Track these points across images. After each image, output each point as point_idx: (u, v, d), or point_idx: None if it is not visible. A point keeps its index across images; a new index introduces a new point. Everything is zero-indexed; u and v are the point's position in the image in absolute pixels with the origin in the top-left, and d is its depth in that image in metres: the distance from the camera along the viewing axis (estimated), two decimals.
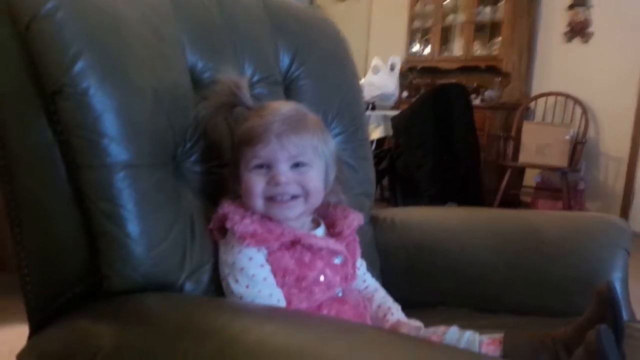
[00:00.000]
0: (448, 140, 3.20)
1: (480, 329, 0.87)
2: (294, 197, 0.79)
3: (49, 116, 0.69)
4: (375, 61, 4.18)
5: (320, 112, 1.05)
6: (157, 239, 0.71)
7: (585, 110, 4.00)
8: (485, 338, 0.83)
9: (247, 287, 0.76)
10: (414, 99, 4.13)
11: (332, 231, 0.88)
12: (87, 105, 0.67)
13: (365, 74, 4.35)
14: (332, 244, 0.83)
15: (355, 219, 0.90)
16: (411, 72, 5.09)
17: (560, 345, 0.78)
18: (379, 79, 4.06)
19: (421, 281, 1.14)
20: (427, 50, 5.04)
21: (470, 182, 3.31)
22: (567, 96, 4.09)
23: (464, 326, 0.87)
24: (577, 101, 4.04)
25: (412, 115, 3.30)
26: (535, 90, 4.43)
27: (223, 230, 0.80)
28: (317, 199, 0.82)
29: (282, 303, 0.77)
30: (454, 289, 1.12)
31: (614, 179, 4.01)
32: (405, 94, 4.89)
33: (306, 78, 1.07)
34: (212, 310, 0.65)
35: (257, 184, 0.78)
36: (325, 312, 0.81)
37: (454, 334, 0.84)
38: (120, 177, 0.68)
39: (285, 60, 1.05)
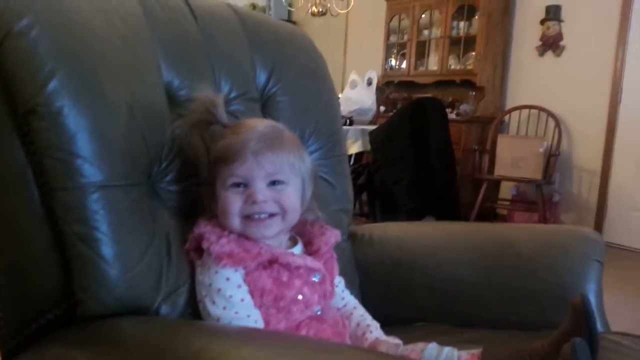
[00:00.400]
0: (425, 155, 3.23)
1: (459, 344, 0.87)
2: (271, 215, 0.78)
3: (21, 137, 0.68)
4: (352, 76, 4.21)
5: (298, 128, 1.05)
6: (132, 261, 0.70)
7: (558, 123, 4.07)
8: (464, 354, 0.84)
9: (224, 308, 0.75)
10: (391, 113, 4.17)
11: (310, 249, 0.87)
12: (61, 125, 0.66)
13: (342, 89, 4.38)
14: (309, 261, 0.83)
15: (333, 236, 0.90)
16: (388, 86, 5.14)
17: (537, 359, 0.78)
18: (357, 94, 4.09)
19: (400, 297, 1.14)
20: (404, 64, 5.10)
21: (447, 196, 3.34)
22: (541, 109, 4.16)
23: (442, 342, 0.87)
24: (550, 114, 4.11)
25: (390, 129, 3.33)
26: (510, 103, 4.50)
27: (199, 251, 0.79)
28: (294, 217, 0.82)
29: (260, 324, 0.76)
30: (432, 304, 1.12)
31: (587, 191, 4.08)
32: (382, 108, 4.93)
33: (283, 94, 1.07)
34: (189, 333, 0.64)
35: (233, 202, 0.77)
36: (304, 331, 0.80)
37: (432, 351, 0.84)
38: (94, 198, 0.67)
39: (262, 77, 1.05)
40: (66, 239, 0.67)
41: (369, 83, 4.21)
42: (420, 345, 0.86)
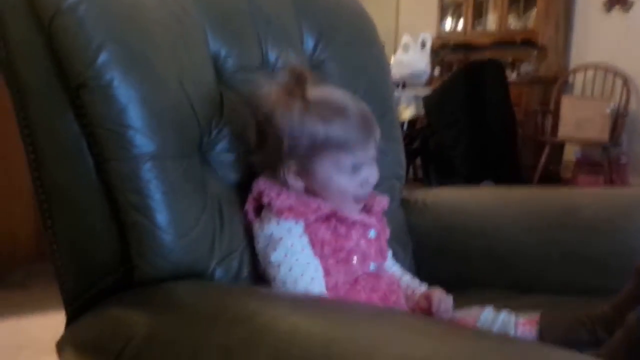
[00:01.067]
0: (482, 118, 3.14)
1: (517, 309, 0.86)
2: None
3: (75, 110, 0.70)
4: (405, 39, 4.11)
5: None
6: (185, 227, 0.72)
7: (626, 82, 3.86)
8: (521, 319, 0.82)
9: (285, 255, 0.76)
10: (446, 77, 4.06)
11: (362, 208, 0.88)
12: (111, 97, 0.68)
13: (394, 52, 4.29)
14: (366, 218, 0.85)
15: (383, 200, 0.92)
16: (443, 49, 4.99)
17: (598, 324, 0.77)
18: (409, 57, 4.00)
19: (455, 263, 1.13)
20: (460, 25, 4.93)
21: (507, 159, 3.25)
22: (607, 68, 3.95)
23: (499, 307, 0.85)
24: (617, 73, 3.90)
25: (443, 93, 3.25)
26: (574, 63, 4.30)
27: (258, 210, 0.81)
28: None
29: (320, 272, 0.77)
30: (489, 270, 1.10)
31: None
32: (437, 71, 4.80)
33: (331, 61, 1.05)
34: (243, 297, 0.65)
35: (351, 187, 0.80)
36: (361, 285, 0.81)
37: (488, 315, 0.84)
38: (147, 168, 0.69)
39: (309, 43, 1.03)
40: (121, 208, 0.70)
41: (423, 45, 4.10)
42: (475, 310, 0.85)
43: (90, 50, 0.67)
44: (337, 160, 0.78)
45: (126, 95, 0.68)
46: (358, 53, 1.12)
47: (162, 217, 0.70)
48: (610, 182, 3.71)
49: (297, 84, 0.79)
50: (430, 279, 0.95)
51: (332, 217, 0.80)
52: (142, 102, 0.69)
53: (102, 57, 0.67)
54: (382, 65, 1.20)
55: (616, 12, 4.02)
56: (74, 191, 0.72)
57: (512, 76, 4.22)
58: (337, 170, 0.79)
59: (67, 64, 0.68)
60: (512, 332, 0.81)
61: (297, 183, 0.80)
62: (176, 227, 0.71)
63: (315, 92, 0.80)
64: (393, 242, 0.97)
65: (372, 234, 0.85)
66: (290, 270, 0.75)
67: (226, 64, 0.87)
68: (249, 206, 0.81)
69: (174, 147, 0.73)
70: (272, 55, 0.95)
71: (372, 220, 0.86)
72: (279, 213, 0.77)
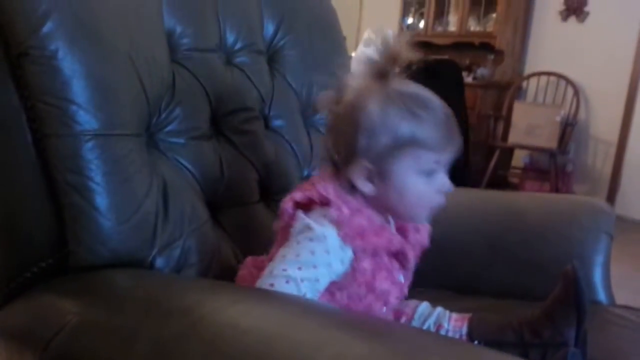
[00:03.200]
0: None
1: (459, 311, 0.86)
2: None
3: (15, 80, 0.65)
4: (367, 33, 4.11)
5: (305, 84, 1.02)
6: (126, 213, 0.68)
7: (577, 91, 3.97)
8: (455, 314, 0.83)
9: (299, 269, 0.65)
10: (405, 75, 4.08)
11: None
12: (54, 69, 0.64)
13: (356, 47, 4.29)
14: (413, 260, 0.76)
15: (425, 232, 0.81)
16: None
17: (525, 326, 0.78)
18: (371, 53, 4.00)
19: None
20: (421, 24, 4.97)
21: (457, 162, 3.29)
22: (560, 76, 4.06)
23: (442, 307, 0.86)
24: (569, 82, 4.02)
25: None
26: (529, 69, 4.39)
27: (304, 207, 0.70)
28: None
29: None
30: (435, 271, 1.10)
31: (602, 162, 4.01)
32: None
33: (291, 48, 1.03)
34: (182, 288, 0.63)
35: (428, 192, 0.71)
36: None
37: (425, 309, 0.84)
38: (89, 147, 0.65)
39: (269, 28, 1.01)
40: (59, 188, 0.66)
41: None
42: (413, 302, 0.85)
43: (35, 18, 0.63)
44: (417, 159, 0.69)
45: (70, 68, 0.64)
46: (319, 41, 1.10)
47: (102, 200, 0.66)
48: (555, 189, 3.82)
49: (386, 67, 0.70)
50: None
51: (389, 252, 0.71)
52: (87, 76, 0.65)
53: (47, 26, 0.63)
54: (343, 54, 1.19)
55: (571, 21, 4.12)
56: (10, 169, 0.67)
57: (468, 79, 4.28)
58: (417, 172, 0.69)
59: (9, 30, 0.63)
60: (445, 325, 0.82)
61: (366, 187, 0.70)
62: (116, 211, 0.67)
63: (398, 82, 0.71)
64: None
65: (401, 277, 0.75)
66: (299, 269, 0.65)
67: (181, 42, 0.83)
68: (301, 200, 0.70)
69: (119, 126, 0.69)
70: (230, 38, 0.92)
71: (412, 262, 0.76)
72: (347, 237, 0.66)
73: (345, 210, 0.68)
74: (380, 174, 0.69)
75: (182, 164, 0.82)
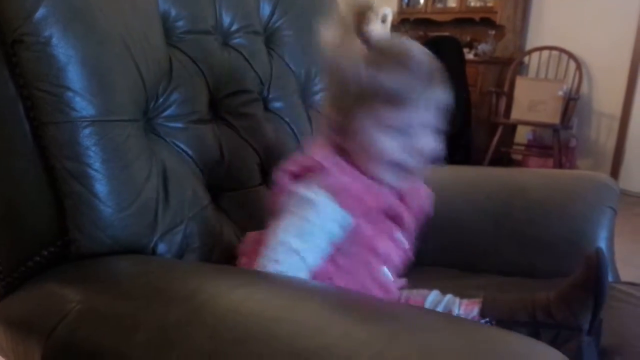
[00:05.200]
0: None
1: (465, 289, 0.86)
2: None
3: (10, 68, 0.64)
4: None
5: (303, 66, 1.01)
6: (127, 199, 0.68)
7: (579, 66, 3.94)
8: (465, 300, 0.83)
9: (298, 237, 0.66)
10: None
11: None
12: (49, 56, 0.63)
13: None
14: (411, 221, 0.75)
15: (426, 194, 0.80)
16: (404, 24, 4.97)
17: (539, 308, 0.77)
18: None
19: None
20: (421, 1, 4.92)
21: (460, 140, 3.28)
22: (562, 50, 4.02)
23: (448, 286, 0.86)
24: (571, 56, 3.98)
25: None
26: (530, 44, 4.35)
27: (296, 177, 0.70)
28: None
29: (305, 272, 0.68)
30: (441, 250, 1.11)
31: (605, 137, 3.99)
32: None
33: (288, 29, 1.02)
34: (184, 274, 0.62)
35: (392, 150, 0.68)
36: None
37: (435, 297, 0.84)
38: (86, 133, 0.64)
39: (266, 9, 0.99)
40: (58, 177, 0.65)
41: (383, 20, 4.06)
42: (423, 291, 0.85)
43: (28, 3, 0.62)
44: (376, 113, 0.67)
45: (65, 54, 0.63)
46: (317, 22, 1.08)
47: (101, 187, 0.65)
48: (559, 165, 3.80)
49: (357, 22, 0.68)
50: None
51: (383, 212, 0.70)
52: (83, 62, 0.64)
53: (41, 12, 0.62)
54: None
55: None
56: (8, 158, 0.67)
57: (469, 55, 4.24)
58: (375, 124, 0.67)
59: (2, 17, 0.62)
60: (455, 310, 0.81)
61: (338, 140, 0.70)
62: (117, 198, 0.67)
63: (379, 36, 0.69)
64: None
65: (400, 237, 0.75)
66: (297, 237, 0.66)
67: (176, 25, 0.82)
68: (293, 170, 0.70)
69: (116, 112, 0.68)
70: (226, 19, 0.91)
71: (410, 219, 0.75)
72: (340, 199, 0.66)
73: (340, 175, 0.67)
74: (347, 127, 0.69)
75: (181, 148, 0.81)
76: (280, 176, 0.71)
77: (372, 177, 0.71)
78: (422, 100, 0.67)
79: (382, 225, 0.72)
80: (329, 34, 0.70)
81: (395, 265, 0.75)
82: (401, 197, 0.76)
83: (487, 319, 0.78)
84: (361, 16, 0.68)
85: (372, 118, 0.67)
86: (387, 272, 0.75)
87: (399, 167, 0.69)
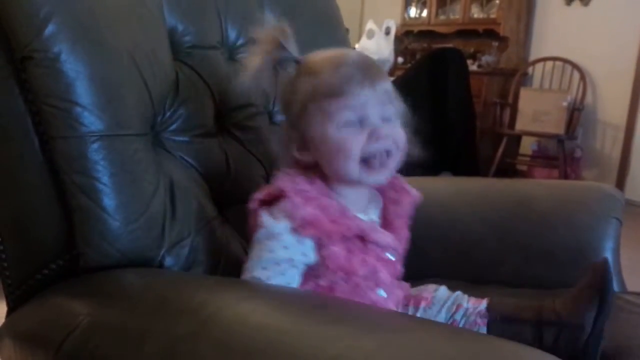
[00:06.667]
0: (443, 108, 3.15)
1: None
2: (388, 154, 0.70)
3: (20, 84, 0.65)
4: (369, 25, 4.08)
5: None
6: (134, 212, 0.68)
7: (583, 76, 3.94)
8: (473, 298, 0.83)
9: (265, 269, 0.67)
10: (409, 65, 4.07)
11: (387, 213, 0.79)
12: (58, 71, 0.64)
13: (359, 39, 4.26)
14: (391, 239, 0.75)
15: (413, 194, 0.82)
16: (407, 36, 5.00)
17: (545, 308, 0.77)
18: (374, 44, 3.97)
19: (412, 254, 1.12)
20: (424, 13, 4.95)
21: (466, 151, 3.27)
22: (566, 61, 4.03)
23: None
24: (575, 66, 3.99)
25: (406, 82, 3.25)
26: (534, 55, 4.36)
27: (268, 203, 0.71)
28: (400, 160, 0.73)
29: None
30: (445, 261, 1.11)
31: (610, 147, 3.98)
32: (400, 59, 4.80)
33: None
34: (191, 286, 0.63)
35: (354, 142, 0.67)
36: None
37: (444, 293, 0.84)
38: (95, 148, 0.65)
39: (271, 23, 1.00)
40: (66, 190, 0.66)
41: (387, 32, 4.08)
42: (432, 286, 0.86)
43: (37, 20, 0.63)
44: (326, 112, 0.67)
45: (74, 70, 0.64)
46: (322, 35, 1.09)
47: (109, 201, 0.66)
48: (564, 175, 3.79)
49: (278, 47, 0.72)
50: None
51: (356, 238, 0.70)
52: (91, 78, 0.65)
53: (50, 29, 0.63)
54: (346, 46, 1.19)
55: (576, 5, 4.09)
56: (18, 171, 0.68)
57: (473, 67, 4.25)
58: (329, 125, 0.67)
59: (12, 34, 0.64)
60: (464, 304, 0.82)
61: (304, 158, 0.71)
62: (124, 212, 0.67)
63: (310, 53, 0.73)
64: None
65: (392, 255, 0.75)
66: (264, 269, 0.67)
67: (183, 40, 0.84)
68: (264, 197, 0.71)
69: (124, 126, 0.69)
70: (232, 33, 0.92)
71: (396, 242, 0.75)
72: (301, 228, 0.66)
73: (297, 200, 0.67)
74: (305, 138, 0.70)
75: (188, 161, 0.82)
76: (252, 203, 0.72)
77: (341, 201, 0.71)
78: (365, 89, 0.67)
79: (361, 248, 0.71)
80: (251, 60, 0.73)
81: (387, 285, 0.74)
82: (383, 215, 0.78)
83: (493, 315, 0.79)
84: (276, 41, 0.73)
85: (322, 115, 0.68)
86: (380, 292, 0.74)
87: (367, 161, 0.69)
